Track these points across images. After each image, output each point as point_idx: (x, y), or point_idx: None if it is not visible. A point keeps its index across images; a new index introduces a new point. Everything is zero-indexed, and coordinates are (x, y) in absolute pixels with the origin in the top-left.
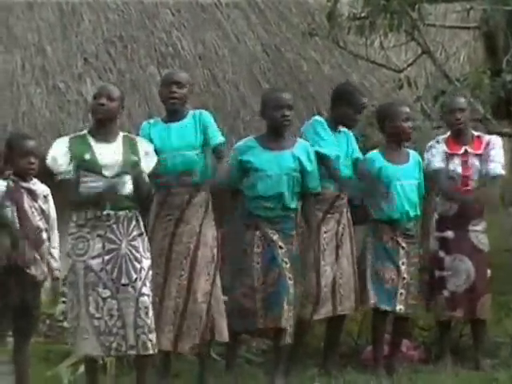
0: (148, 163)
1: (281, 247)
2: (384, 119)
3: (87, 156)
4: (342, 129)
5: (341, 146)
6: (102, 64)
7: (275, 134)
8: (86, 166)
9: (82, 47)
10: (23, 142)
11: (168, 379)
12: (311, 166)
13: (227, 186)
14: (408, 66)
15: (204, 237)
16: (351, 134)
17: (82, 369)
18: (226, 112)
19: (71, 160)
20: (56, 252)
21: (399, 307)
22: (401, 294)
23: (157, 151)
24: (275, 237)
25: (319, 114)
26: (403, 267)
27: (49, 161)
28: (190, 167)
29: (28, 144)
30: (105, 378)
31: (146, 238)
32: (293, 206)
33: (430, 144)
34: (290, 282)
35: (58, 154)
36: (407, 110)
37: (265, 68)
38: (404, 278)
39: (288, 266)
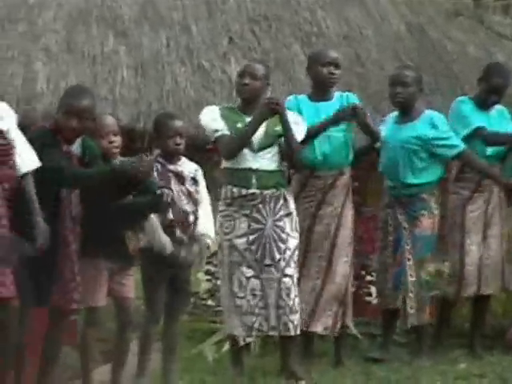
0: (298, 133)
1: (405, 228)
2: None
3: (239, 125)
4: (497, 106)
5: (492, 123)
6: (247, 43)
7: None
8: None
9: (227, 26)
10: (170, 122)
11: (310, 359)
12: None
13: None
14: None
15: (345, 218)
16: (505, 109)
17: (226, 347)
18: (370, 92)
19: (225, 125)
20: (207, 228)
21: None
22: None
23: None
24: (401, 217)
25: (464, 94)
26: None
27: (203, 121)
28: (338, 148)
29: (174, 124)
30: (249, 357)
31: (295, 218)
32: (414, 181)
33: None
34: (409, 264)
35: (213, 116)
36: None
37: (409, 47)
38: None
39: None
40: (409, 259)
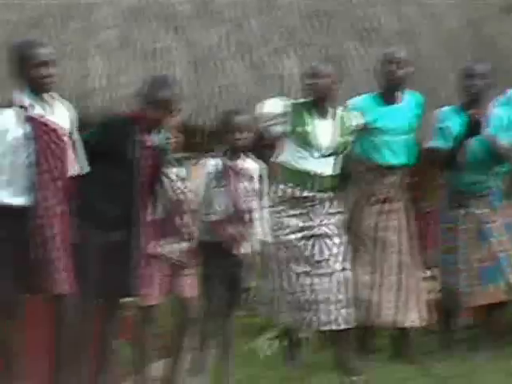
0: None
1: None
2: None
3: (305, 127)
4: None
5: None
6: (301, 39)
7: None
8: (299, 136)
9: (281, 21)
10: (233, 118)
11: (366, 354)
12: None
13: None
14: None
15: (408, 213)
16: None
17: (280, 342)
18: (425, 88)
19: (284, 122)
20: (263, 227)
21: None
22: None
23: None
24: (480, 213)
25: None
26: None
27: (257, 114)
28: (404, 145)
29: (238, 120)
30: (304, 352)
31: (343, 216)
32: (502, 170)
33: None
34: (507, 254)
35: (271, 111)
36: None
37: (464, 43)
38: None
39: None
40: (504, 250)
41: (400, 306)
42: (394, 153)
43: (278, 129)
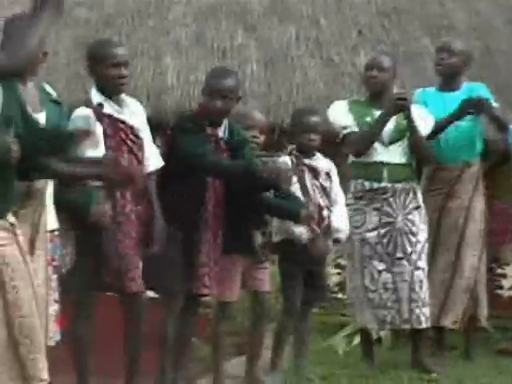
0: (424, 127)
1: None
2: None
3: (368, 118)
4: None
5: None
6: (376, 36)
7: None
8: (363, 129)
9: (356, 19)
10: (305, 117)
11: (441, 352)
12: None
13: None
14: None
15: (473, 211)
16: None
17: (356, 340)
18: (500, 84)
19: (353, 119)
20: (341, 224)
21: None
22: None
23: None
24: None
25: None
26: None
27: (331, 117)
28: (465, 139)
29: (310, 119)
30: (380, 350)
31: (424, 211)
32: None
33: None
34: None
35: (341, 112)
36: None
37: None
38: None
39: None
40: None
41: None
42: (453, 146)
43: (345, 131)
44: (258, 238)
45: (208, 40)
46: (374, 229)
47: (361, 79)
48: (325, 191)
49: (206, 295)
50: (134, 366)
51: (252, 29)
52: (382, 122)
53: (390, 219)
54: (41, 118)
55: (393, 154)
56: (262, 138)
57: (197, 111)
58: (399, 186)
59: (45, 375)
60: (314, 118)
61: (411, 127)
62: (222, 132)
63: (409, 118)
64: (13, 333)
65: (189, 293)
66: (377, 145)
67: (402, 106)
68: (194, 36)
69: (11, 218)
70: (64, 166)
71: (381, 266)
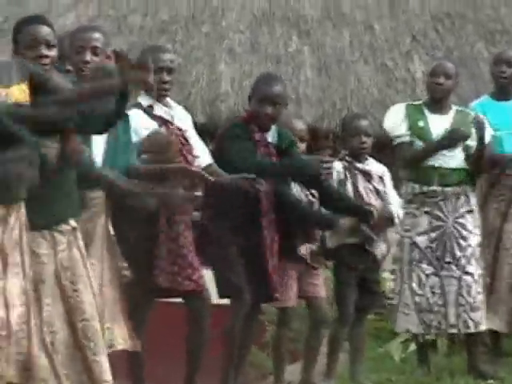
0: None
1: None
2: None
3: (421, 123)
4: None
5: None
6: (430, 41)
7: None
8: (418, 133)
9: (410, 24)
10: (355, 122)
11: (499, 358)
12: None
13: None
14: None
15: None
16: None
17: (412, 346)
18: None
19: (407, 125)
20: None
21: None
22: None
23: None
24: None
25: None
26: None
27: (386, 124)
28: None
29: (360, 123)
30: (436, 357)
31: (477, 215)
32: None
33: None
34: None
35: (396, 119)
36: None
37: None
38: None
39: None
40: None
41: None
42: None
43: (398, 140)
44: (310, 246)
45: (262, 46)
46: (424, 232)
47: (416, 84)
48: (379, 194)
49: (277, 299)
50: (195, 368)
51: (306, 35)
52: (435, 150)
53: (441, 223)
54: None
55: (445, 158)
56: (303, 146)
57: (245, 117)
58: (450, 189)
59: (109, 376)
60: (364, 122)
61: (480, 148)
62: (270, 137)
63: (481, 139)
64: (77, 336)
65: (257, 298)
66: None
67: (460, 141)
68: (249, 42)
69: (73, 223)
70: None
71: (429, 270)
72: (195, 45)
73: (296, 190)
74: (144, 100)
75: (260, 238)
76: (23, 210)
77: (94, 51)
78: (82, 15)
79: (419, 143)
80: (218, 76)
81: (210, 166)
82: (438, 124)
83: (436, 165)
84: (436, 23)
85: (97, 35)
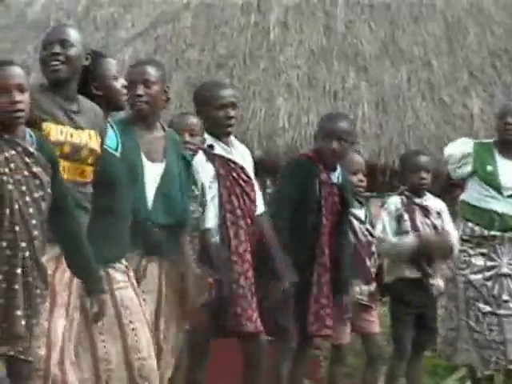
0: None
1: None
2: None
3: (489, 168)
4: None
5: None
6: (488, 77)
7: None
8: (485, 177)
9: (468, 60)
10: (415, 158)
11: None
12: None
13: None
14: None
15: None
16: None
17: (468, 383)
18: None
19: (473, 165)
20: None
21: None
22: None
23: None
24: None
25: None
26: None
27: (450, 157)
28: None
29: (420, 159)
30: None
31: None
32: None
33: None
34: None
35: (459, 152)
36: None
37: None
38: None
39: None
40: None
41: None
42: None
43: (466, 169)
44: (371, 284)
45: (320, 82)
46: (478, 271)
47: (474, 121)
48: (436, 230)
49: (327, 336)
50: None
51: (364, 70)
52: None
53: (495, 263)
54: (158, 167)
55: (508, 205)
56: (364, 181)
57: (311, 155)
58: (508, 235)
59: None
60: (424, 158)
61: None
62: (335, 177)
63: None
64: (133, 375)
65: (305, 334)
66: (494, 193)
67: None
68: (306, 78)
69: (126, 262)
70: None
71: (486, 309)
72: (252, 80)
73: (357, 226)
74: (208, 138)
75: (319, 272)
76: None
77: (146, 84)
78: (140, 50)
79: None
80: (275, 111)
81: (260, 216)
82: (509, 170)
83: (500, 211)
84: (494, 59)
85: (148, 69)
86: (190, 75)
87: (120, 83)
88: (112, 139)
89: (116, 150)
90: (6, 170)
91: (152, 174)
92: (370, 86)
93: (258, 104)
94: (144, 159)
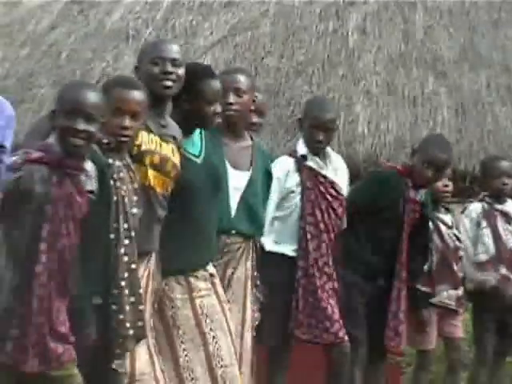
0: None
1: None
2: None
3: None
4: None
5: None
6: None
7: None
8: None
9: None
10: (497, 164)
11: None
12: None
13: None
14: None
15: None
16: None
17: None
18: None
19: None
20: None
21: None
22: None
23: None
24: None
25: None
26: None
27: None
28: None
29: (501, 165)
30: None
31: None
32: None
33: None
34: None
35: None
36: None
37: None
38: None
39: None
40: None
41: None
42: None
43: None
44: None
45: (398, 88)
46: None
47: None
48: None
49: (397, 345)
50: None
51: (443, 76)
52: None
53: None
54: (243, 176)
55: None
56: (450, 187)
57: (402, 170)
58: None
59: None
60: (505, 163)
61: None
62: (420, 195)
63: None
64: (217, 382)
65: (378, 342)
66: None
67: None
68: (385, 84)
69: (211, 269)
70: None
71: None
72: (331, 86)
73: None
74: (300, 148)
75: (390, 291)
76: (153, 260)
77: (237, 93)
78: (219, 58)
79: None
80: (354, 117)
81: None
82: None
83: None
84: None
85: (239, 77)
86: (269, 82)
87: (212, 109)
88: (196, 146)
89: (198, 156)
90: (124, 188)
91: (237, 182)
92: (449, 92)
93: (337, 110)
94: (229, 167)
